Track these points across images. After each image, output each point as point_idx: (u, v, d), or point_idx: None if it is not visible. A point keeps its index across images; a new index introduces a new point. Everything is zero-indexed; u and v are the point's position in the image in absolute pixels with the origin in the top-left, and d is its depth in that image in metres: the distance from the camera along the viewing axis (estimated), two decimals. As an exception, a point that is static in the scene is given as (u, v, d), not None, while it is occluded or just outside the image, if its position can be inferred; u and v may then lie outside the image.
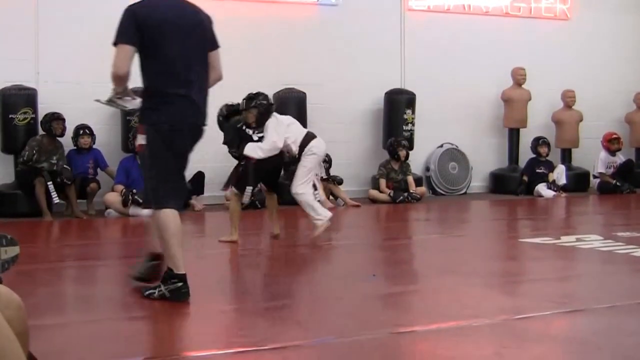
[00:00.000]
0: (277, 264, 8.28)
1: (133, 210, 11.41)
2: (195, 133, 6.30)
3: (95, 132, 12.26)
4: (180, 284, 5.81)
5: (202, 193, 12.64)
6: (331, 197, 12.74)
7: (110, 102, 6.41)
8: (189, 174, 12.42)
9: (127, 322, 5.57)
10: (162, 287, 5.86)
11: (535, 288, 6.84)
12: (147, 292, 5.96)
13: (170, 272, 5.88)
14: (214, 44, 6.50)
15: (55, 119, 11.76)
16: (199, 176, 12.62)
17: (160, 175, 6.06)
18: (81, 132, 12.14)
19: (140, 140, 6.12)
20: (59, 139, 11.85)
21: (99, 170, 12.30)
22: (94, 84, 12.41)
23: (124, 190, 11.53)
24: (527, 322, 5.47)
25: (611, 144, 15.29)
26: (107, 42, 6.10)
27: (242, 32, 13.38)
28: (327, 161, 13.01)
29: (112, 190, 11.80)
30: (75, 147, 12.20)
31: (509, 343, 4.92)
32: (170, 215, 5.92)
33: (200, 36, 6.33)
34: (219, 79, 6.70)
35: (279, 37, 13.72)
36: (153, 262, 6.30)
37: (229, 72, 13.30)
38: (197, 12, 6.38)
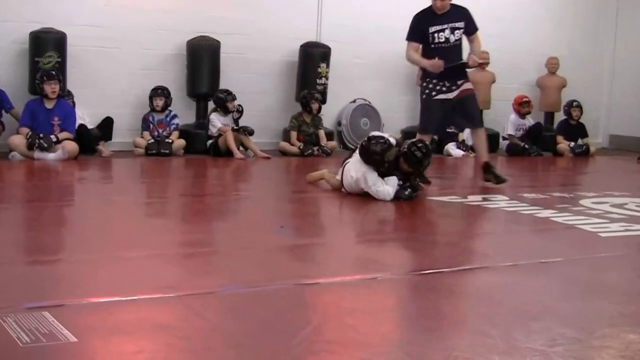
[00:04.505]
0: (184, 213, 8.23)
1: (38, 154, 11.20)
2: None
3: (-1, 72, 12.00)
4: None
5: (110, 139, 12.49)
6: (241, 148, 12.67)
7: None
8: (97, 119, 12.37)
9: (29, 267, 5.48)
10: None
11: (440, 245, 6.91)
12: None
13: None
14: None
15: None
16: (108, 122, 12.47)
17: None
18: (-17, 71, 11.85)
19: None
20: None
21: (3, 112, 12.01)
22: (3, 22, 12.20)
23: (30, 133, 11.28)
24: (432, 277, 5.51)
25: (521, 107, 15.45)
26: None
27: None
28: (239, 111, 12.94)
29: (17, 132, 11.56)
30: (-23, 88, 11.90)
31: (411, 297, 4.96)
32: None
33: None
34: None
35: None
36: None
37: (144, 20, 13.19)
38: None
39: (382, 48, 15.07)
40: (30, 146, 11.19)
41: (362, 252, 6.42)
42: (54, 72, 11.61)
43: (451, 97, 9.90)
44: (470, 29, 9.97)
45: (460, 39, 9.91)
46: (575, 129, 15.85)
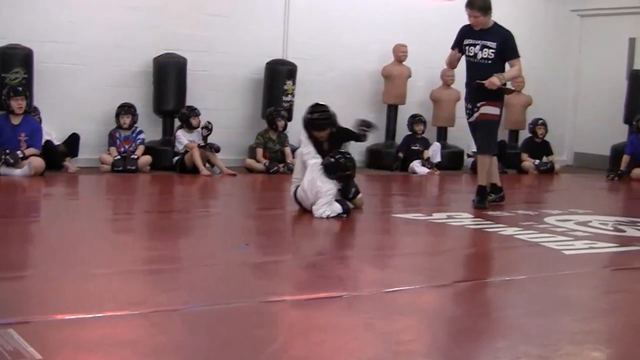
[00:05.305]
0: (150, 230, 8.22)
1: (4, 170, 11.14)
2: None
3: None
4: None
5: (77, 155, 12.44)
6: (207, 165, 12.67)
7: None
8: (63, 135, 12.33)
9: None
10: None
11: (405, 262, 6.94)
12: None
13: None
14: None
15: None
16: (74, 138, 12.42)
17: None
18: (-52, 87, 11.78)
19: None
20: None
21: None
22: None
23: (-4, 149, 11.26)
24: (396, 295, 5.55)
25: (486, 124, 15.51)
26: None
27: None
28: (209, 129, 12.86)
29: (-17, 149, 11.51)
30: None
31: (377, 314, 4.98)
32: None
33: None
34: None
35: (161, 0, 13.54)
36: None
37: (111, 37, 13.14)
38: None
39: (348, 65, 15.14)
40: (-3, 161, 11.15)
41: (328, 269, 6.44)
42: (20, 89, 11.57)
43: (473, 120, 10.06)
44: (507, 53, 9.88)
45: (491, 59, 9.81)
46: (540, 147, 15.97)
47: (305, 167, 9.05)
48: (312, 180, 8.83)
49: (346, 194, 9.01)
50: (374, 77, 15.42)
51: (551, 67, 17.43)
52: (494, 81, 9.63)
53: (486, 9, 9.80)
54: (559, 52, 17.77)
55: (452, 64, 10.47)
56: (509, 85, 10.24)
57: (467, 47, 9.91)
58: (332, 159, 8.82)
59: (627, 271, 6.95)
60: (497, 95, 9.87)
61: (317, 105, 9.34)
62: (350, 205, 8.94)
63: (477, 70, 9.82)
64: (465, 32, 9.97)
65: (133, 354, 4.05)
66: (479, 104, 9.88)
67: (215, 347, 4.21)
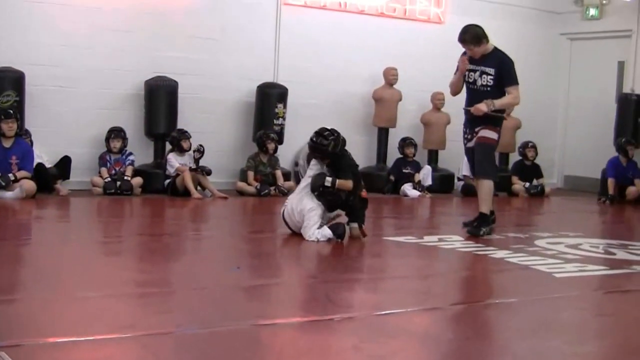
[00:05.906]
0: (142, 253, 8.21)
1: (-4, 192, 11.18)
2: None
3: (-42, 111, 11.94)
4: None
5: (68, 178, 12.45)
6: (199, 188, 12.68)
7: None
8: (54, 158, 12.33)
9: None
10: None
11: (396, 285, 6.94)
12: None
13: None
14: None
15: None
16: (65, 161, 12.43)
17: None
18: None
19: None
20: None
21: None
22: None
23: (-13, 172, 11.26)
24: (386, 318, 5.55)
25: (476, 147, 15.54)
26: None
27: (115, 17, 13.22)
28: (201, 152, 12.85)
29: (-25, 171, 11.51)
30: None
31: (367, 337, 4.98)
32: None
33: None
34: None
35: (152, 23, 13.56)
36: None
37: (102, 60, 13.16)
38: None
39: (338, 88, 15.17)
40: (-12, 184, 11.15)
41: (319, 292, 6.44)
42: (11, 111, 11.58)
43: (472, 145, 9.87)
44: (504, 80, 9.72)
45: (489, 86, 9.68)
46: (530, 170, 16.01)
47: None
48: (301, 199, 8.85)
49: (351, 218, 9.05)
50: (364, 100, 15.46)
51: (541, 90, 17.46)
52: (480, 107, 9.52)
53: (479, 39, 9.69)
54: (548, 75, 17.84)
55: (455, 88, 10.17)
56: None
57: (467, 73, 9.79)
58: (317, 193, 8.84)
59: (617, 294, 6.96)
60: (494, 121, 9.75)
61: (318, 133, 9.23)
62: (346, 225, 8.94)
63: (476, 97, 9.69)
64: (470, 57, 9.84)
65: (124, 377, 4.05)
66: (476, 129, 9.80)
67: (207, 370, 4.22)
